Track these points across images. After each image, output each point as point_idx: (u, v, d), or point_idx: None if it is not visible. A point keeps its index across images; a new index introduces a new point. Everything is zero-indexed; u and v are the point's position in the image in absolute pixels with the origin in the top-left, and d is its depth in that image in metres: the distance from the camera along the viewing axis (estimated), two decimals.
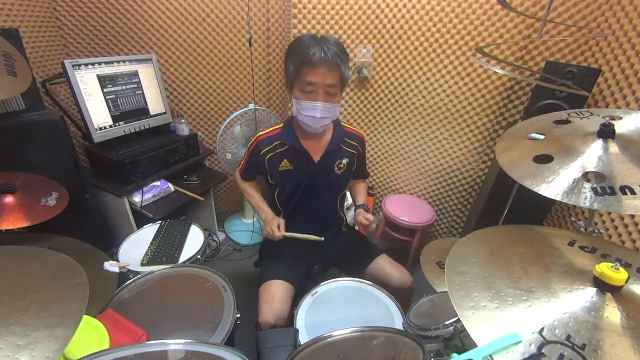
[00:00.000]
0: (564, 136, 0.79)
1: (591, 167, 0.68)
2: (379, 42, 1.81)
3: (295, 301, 1.14)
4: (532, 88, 1.55)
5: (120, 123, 1.68)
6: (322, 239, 1.19)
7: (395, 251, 2.08)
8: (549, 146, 0.77)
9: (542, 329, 0.50)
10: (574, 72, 1.29)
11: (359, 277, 1.18)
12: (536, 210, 1.63)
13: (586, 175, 0.67)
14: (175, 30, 1.93)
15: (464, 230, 2.11)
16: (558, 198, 0.65)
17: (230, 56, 2.04)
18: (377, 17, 1.75)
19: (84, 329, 0.83)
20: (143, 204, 1.64)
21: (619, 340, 0.48)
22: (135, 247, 1.33)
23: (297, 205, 1.29)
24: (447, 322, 0.79)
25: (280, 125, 1.23)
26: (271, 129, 1.22)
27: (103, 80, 1.59)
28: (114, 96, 1.64)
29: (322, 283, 1.15)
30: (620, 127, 0.75)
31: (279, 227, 1.20)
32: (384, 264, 1.27)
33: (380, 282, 1.19)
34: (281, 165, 1.20)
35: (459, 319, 0.57)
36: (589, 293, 0.54)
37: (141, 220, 1.62)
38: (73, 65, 1.47)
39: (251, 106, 1.93)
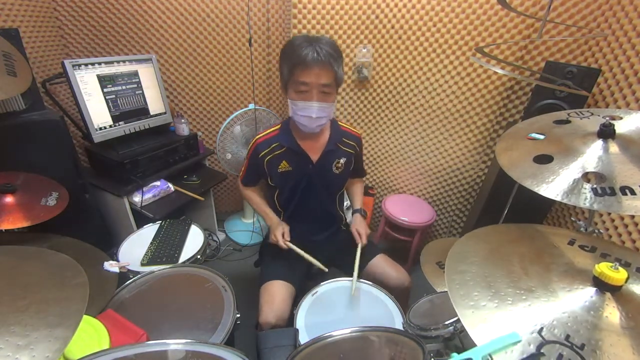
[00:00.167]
0: (564, 136, 0.79)
1: (591, 167, 0.68)
2: (379, 42, 1.81)
3: (295, 301, 1.14)
4: (532, 88, 1.55)
5: (120, 123, 1.68)
6: (326, 270, 1.19)
7: (395, 251, 2.09)
8: (549, 146, 0.77)
9: (542, 328, 0.50)
10: (574, 72, 1.29)
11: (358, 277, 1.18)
12: (536, 211, 1.63)
13: (586, 176, 0.67)
14: (175, 30, 1.93)
15: (464, 230, 2.11)
16: (558, 198, 0.65)
17: (230, 56, 2.04)
18: (377, 17, 1.75)
19: (84, 329, 0.83)
20: (143, 204, 1.64)
21: (618, 340, 0.48)
22: (135, 247, 1.33)
23: (296, 206, 1.29)
24: (447, 322, 0.79)
25: (278, 127, 1.23)
26: (268, 131, 1.22)
27: (103, 80, 1.59)
28: (114, 96, 1.64)
29: (322, 283, 1.15)
30: (620, 127, 0.75)
31: (283, 236, 1.21)
32: (382, 264, 1.27)
33: (379, 282, 1.19)
34: (280, 166, 1.21)
35: (458, 318, 0.58)
36: (589, 293, 0.54)
37: (141, 220, 1.62)
38: (73, 65, 1.47)
39: (251, 106, 1.93)
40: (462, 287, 0.59)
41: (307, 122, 1.10)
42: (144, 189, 1.67)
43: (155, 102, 1.83)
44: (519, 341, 0.48)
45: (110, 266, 1.12)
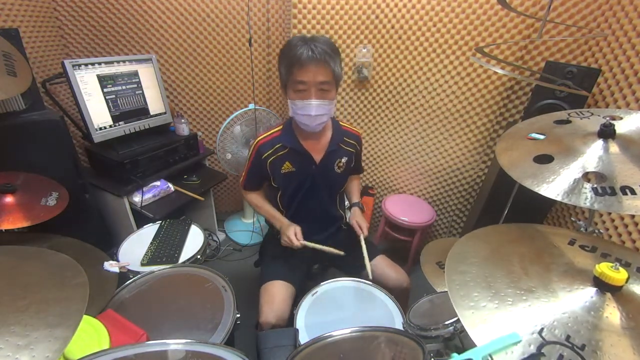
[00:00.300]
0: (564, 136, 0.79)
1: (591, 167, 0.68)
2: (379, 42, 1.81)
3: (295, 301, 1.14)
4: (532, 88, 1.55)
5: (120, 123, 1.68)
6: (343, 253, 1.17)
7: (395, 251, 2.09)
8: (549, 146, 0.77)
9: (542, 329, 0.50)
10: (574, 72, 1.29)
11: (358, 277, 1.18)
12: (536, 211, 1.63)
13: (586, 176, 0.67)
14: (175, 30, 1.93)
15: (464, 230, 2.11)
16: (558, 198, 0.65)
17: (230, 56, 2.04)
18: (377, 17, 1.75)
19: (84, 329, 0.83)
20: (143, 204, 1.64)
21: (618, 340, 0.48)
22: (135, 247, 1.33)
23: (299, 206, 1.29)
24: (447, 322, 0.79)
25: (279, 127, 1.23)
26: (270, 132, 1.22)
27: (103, 80, 1.59)
28: (114, 96, 1.64)
29: (322, 283, 1.15)
30: (620, 127, 0.75)
31: (296, 236, 1.18)
32: (382, 265, 1.27)
33: (378, 282, 1.19)
34: (283, 167, 1.20)
35: (458, 319, 0.58)
36: (589, 293, 0.54)
37: (141, 220, 1.62)
38: (73, 65, 1.47)
39: (251, 106, 1.93)
40: (462, 288, 0.59)
41: (307, 121, 1.10)
42: (144, 189, 1.67)
43: (155, 102, 1.83)
44: (519, 341, 0.48)
45: (110, 266, 1.12)
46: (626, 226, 1.20)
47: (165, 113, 1.89)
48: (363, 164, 1.58)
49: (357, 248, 1.22)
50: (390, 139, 2.08)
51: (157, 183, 1.74)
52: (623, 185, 0.62)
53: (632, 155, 0.68)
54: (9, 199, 1.11)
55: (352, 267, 1.29)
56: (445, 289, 0.60)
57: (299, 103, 1.07)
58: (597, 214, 1.32)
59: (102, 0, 1.80)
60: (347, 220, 1.45)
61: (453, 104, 1.81)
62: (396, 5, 1.70)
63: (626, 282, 0.53)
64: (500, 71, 1.16)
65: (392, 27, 1.75)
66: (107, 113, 1.63)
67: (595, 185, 0.64)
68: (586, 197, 0.63)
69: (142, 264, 1.24)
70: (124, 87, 1.68)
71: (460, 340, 0.83)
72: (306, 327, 0.99)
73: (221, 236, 2.31)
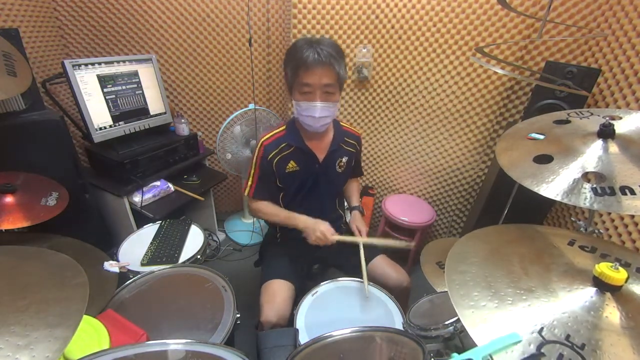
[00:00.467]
0: (564, 136, 0.79)
1: (591, 167, 0.68)
2: (379, 42, 1.81)
3: (296, 301, 1.14)
4: (532, 88, 1.55)
5: (120, 123, 1.68)
6: (408, 244, 1.17)
7: (395, 251, 2.08)
8: (549, 146, 0.77)
9: (542, 328, 0.50)
10: (574, 72, 1.29)
11: (358, 277, 1.18)
12: (536, 211, 1.63)
13: (586, 176, 0.67)
14: (175, 30, 1.93)
15: (464, 230, 2.11)
16: (558, 198, 0.65)
17: (230, 56, 2.04)
18: (377, 17, 1.75)
19: (84, 329, 0.83)
20: (143, 204, 1.64)
21: (618, 340, 0.48)
22: (135, 247, 1.33)
23: (299, 205, 1.29)
24: (447, 322, 0.79)
25: (283, 127, 1.23)
26: (273, 132, 1.22)
27: (103, 80, 1.59)
28: (114, 96, 1.64)
29: (322, 283, 1.15)
30: (620, 127, 0.75)
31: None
32: (382, 264, 1.28)
33: (378, 282, 1.19)
34: (288, 167, 1.21)
35: (458, 318, 0.58)
36: (589, 293, 0.54)
37: (141, 220, 1.62)
38: (73, 65, 1.47)
39: (251, 106, 1.93)
40: (462, 287, 0.59)
41: (311, 122, 1.11)
42: (144, 189, 1.67)
43: (155, 102, 1.83)
44: (520, 341, 0.48)
45: (110, 266, 1.12)
46: (626, 226, 1.20)
47: (165, 113, 1.89)
48: (363, 164, 1.59)
49: (356, 248, 1.23)
50: (390, 139, 2.08)
51: (157, 183, 1.74)
52: (622, 185, 0.62)
53: (631, 155, 0.68)
54: (9, 199, 1.11)
55: (352, 266, 1.29)
56: (445, 289, 0.61)
57: (303, 104, 1.08)
58: (597, 214, 1.32)
59: (102, 0, 1.80)
60: (347, 220, 1.45)
61: (453, 104, 1.81)
62: (396, 5, 1.70)
63: (626, 282, 0.53)
64: (500, 71, 1.17)
65: (392, 27, 1.75)
66: (107, 113, 1.63)
67: (594, 185, 0.64)
68: (586, 197, 0.63)
69: (142, 264, 1.24)
70: (124, 87, 1.68)
71: (460, 340, 0.83)
72: (306, 327, 0.99)
73: (221, 236, 2.31)
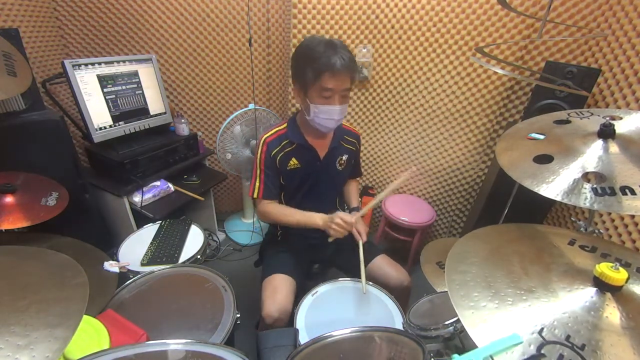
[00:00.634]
0: (564, 136, 0.79)
1: (591, 167, 0.68)
2: (379, 42, 1.81)
3: (296, 300, 1.14)
4: (532, 88, 1.55)
5: (120, 123, 1.68)
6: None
7: (395, 251, 2.09)
8: (549, 146, 0.77)
9: (542, 329, 0.50)
10: (574, 72, 1.29)
11: (358, 277, 1.18)
12: (536, 211, 1.63)
13: (586, 176, 0.67)
14: (175, 30, 1.93)
15: (464, 230, 2.11)
16: (558, 198, 0.65)
17: (230, 56, 2.04)
18: (377, 17, 1.75)
19: (84, 329, 0.83)
20: (143, 204, 1.64)
21: (618, 340, 0.48)
22: (135, 247, 1.33)
23: (299, 204, 1.29)
24: (447, 322, 0.79)
25: (284, 125, 1.23)
26: (276, 129, 1.22)
27: (103, 80, 1.59)
28: (114, 96, 1.64)
29: (322, 283, 1.15)
30: (620, 127, 0.75)
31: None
32: (382, 264, 1.28)
33: (379, 282, 1.19)
34: (290, 164, 1.21)
35: (458, 319, 0.57)
36: (589, 293, 0.54)
37: (141, 220, 1.62)
38: (73, 65, 1.47)
39: (251, 106, 1.93)
40: (462, 288, 0.59)
41: (329, 124, 1.11)
42: (144, 189, 1.67)
43: (155, 102, 1.83)
44: (521, 342, 0.48)
45: (110, 266, 1.12)
46: (626, 226, 1.20)
47: (165, 113, 1.89)
48: (363, 164, 1.59)
49: (357, 250, 1.23)
50: (390, 139, 2.08)
51: (157, 183, 1.74)
52: (623, 185, 0.62)
53: (631, 155, 0.68)
54: (9, 199, 1.11)
55: (352, 266, 1.29)
56: (445, 289, 0.60)
57: (323, 108, 1.08)
58: (597, 214, 1.32)
59: (102, 0, 1.80)
60: None
61: (453, 104, 1.81)
62: (396, 5, 1.70)
63: (626, 282, 0.53)
64: (500, 71, 1.16)
65: (392, 27, 1.75)
66: (107, 113, 1.63)
67: (595, 186, 0.64)
68: (586, 197, 0.63)
69: (142, 264, 1.24)
70: (124, 87, 1.68)
71: (460, 340, 0.83)
72: (306, 327, 0.99)
73: (221, 236, 2.31)
